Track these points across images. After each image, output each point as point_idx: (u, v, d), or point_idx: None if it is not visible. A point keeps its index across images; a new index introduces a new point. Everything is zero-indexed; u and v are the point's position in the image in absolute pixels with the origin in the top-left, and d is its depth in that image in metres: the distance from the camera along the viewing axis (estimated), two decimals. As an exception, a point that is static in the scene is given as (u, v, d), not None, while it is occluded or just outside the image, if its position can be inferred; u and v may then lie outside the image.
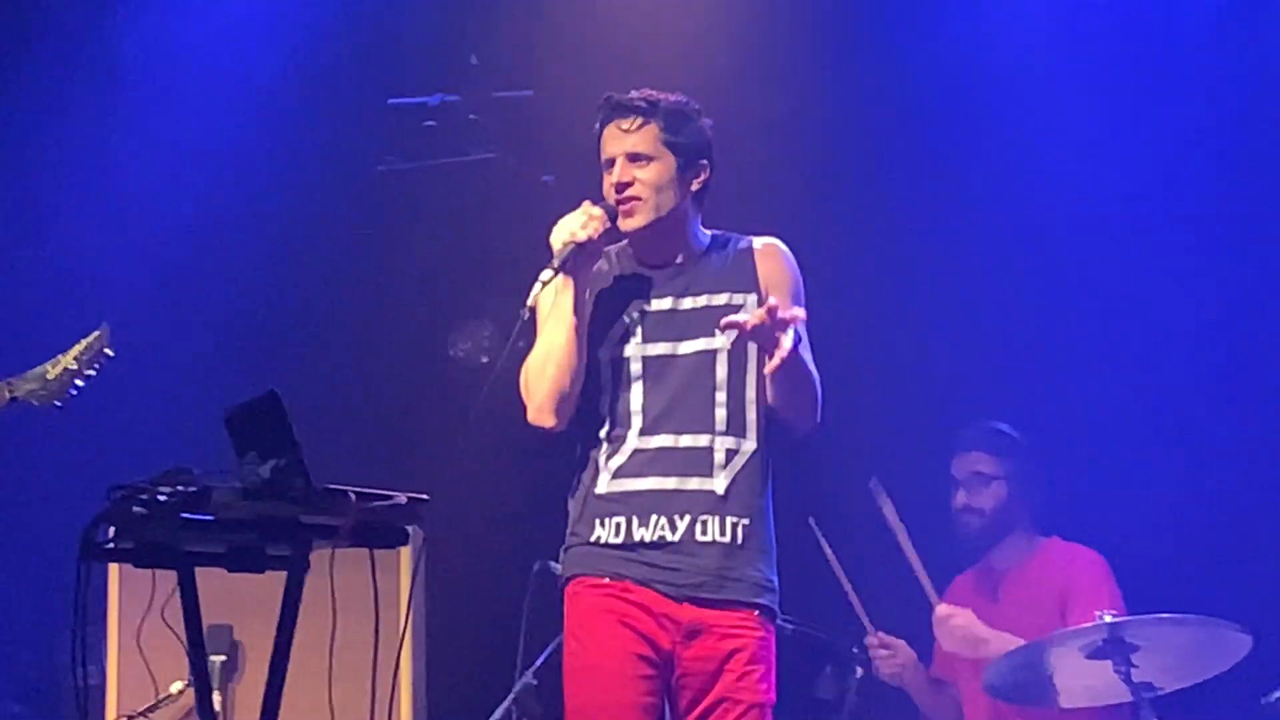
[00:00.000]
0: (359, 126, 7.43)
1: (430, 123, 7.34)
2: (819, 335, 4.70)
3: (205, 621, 4.25)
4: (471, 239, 7.47)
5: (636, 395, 4.66)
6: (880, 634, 6.49)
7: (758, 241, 4.76)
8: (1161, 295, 6.95)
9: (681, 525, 4.58)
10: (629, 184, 4.66)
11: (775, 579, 4.66)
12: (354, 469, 4.67)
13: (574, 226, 4.67)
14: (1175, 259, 6.92)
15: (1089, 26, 7.13)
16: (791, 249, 4.83)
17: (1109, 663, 5.56)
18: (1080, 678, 5.70)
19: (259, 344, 7.53)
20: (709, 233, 4.80)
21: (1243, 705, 5.96)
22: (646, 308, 4.68)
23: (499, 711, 6.06)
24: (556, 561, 6.13)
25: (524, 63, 7.36)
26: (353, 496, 4.00)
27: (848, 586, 6.43)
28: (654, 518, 4.59)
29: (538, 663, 6.14)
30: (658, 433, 4.62)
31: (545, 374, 4.70)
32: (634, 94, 4.71)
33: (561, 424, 4.72)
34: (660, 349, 4.66)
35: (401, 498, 4.11)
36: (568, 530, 4.75)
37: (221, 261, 7.56)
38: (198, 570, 4.19)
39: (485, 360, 7.50)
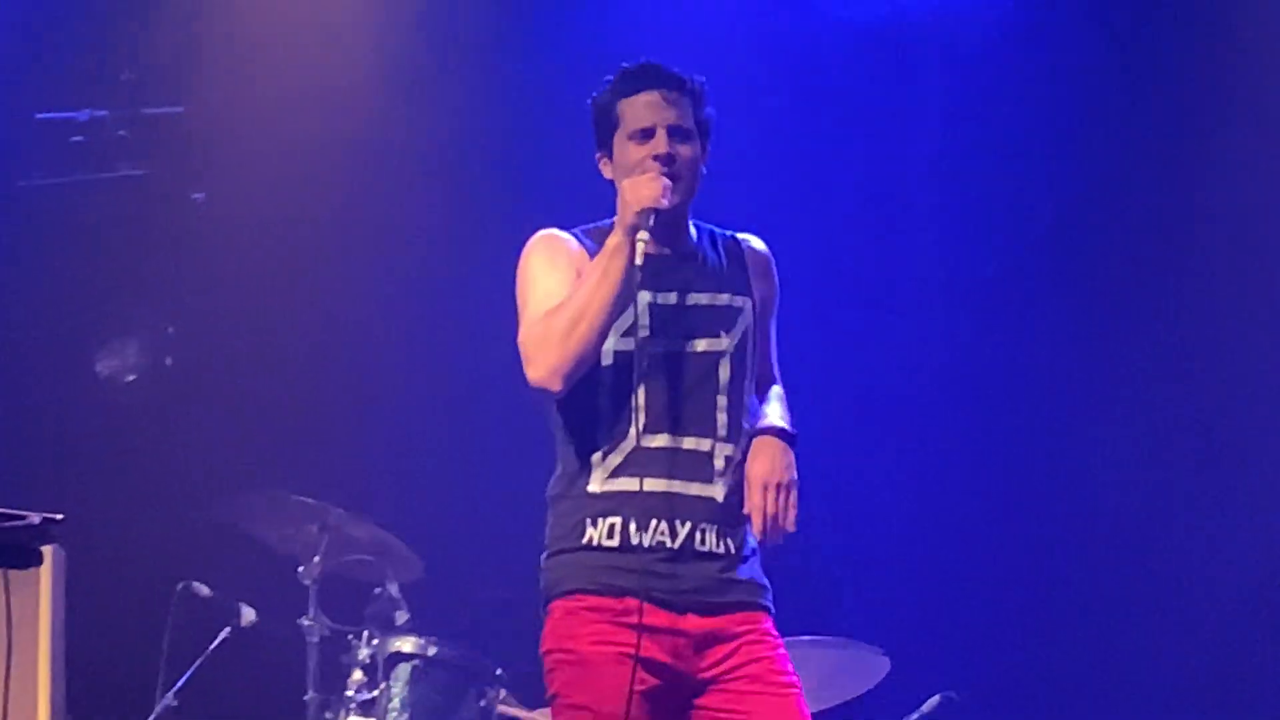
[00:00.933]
0: (2, 142, 7.28)
1: (78, 138, 7.24)
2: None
3: None
4: (119, 256, 7.37)
5: (640, 390, 4.30)
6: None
7: (742, 239, 4.51)
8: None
9: (682, 533, 4.25)
10: (672, 158, 4.32)
11: (763, 574, 4.39)
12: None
13: (654, 193, 4.24)
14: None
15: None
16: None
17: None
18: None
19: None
20: (691, 221, 4.52)
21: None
22: (654, 300, 4.33)
23: (140, 733, 6.06)
24: (199, 582, 6.20)
25: (175, 79, 7.29)
26: (-15, 516, 3.93)
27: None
28: (654, 522, 4.24)
29: (178, 685, 6.10)
30: (659, 432, 4.29)
31: (575, 334, 4.24)
32: (682, 70, 4.40)
33: (563, 392, 4.29)
34: (664, 346, 4.33)
35: (35, 518, 4.02)
36: (547, 535, 4.34)
37: None
38: None
39: (131, 378, 7.41)
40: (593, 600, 4.22)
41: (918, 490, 7.02)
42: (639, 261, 4.17)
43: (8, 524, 3.99)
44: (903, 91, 7.18)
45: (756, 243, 4.50)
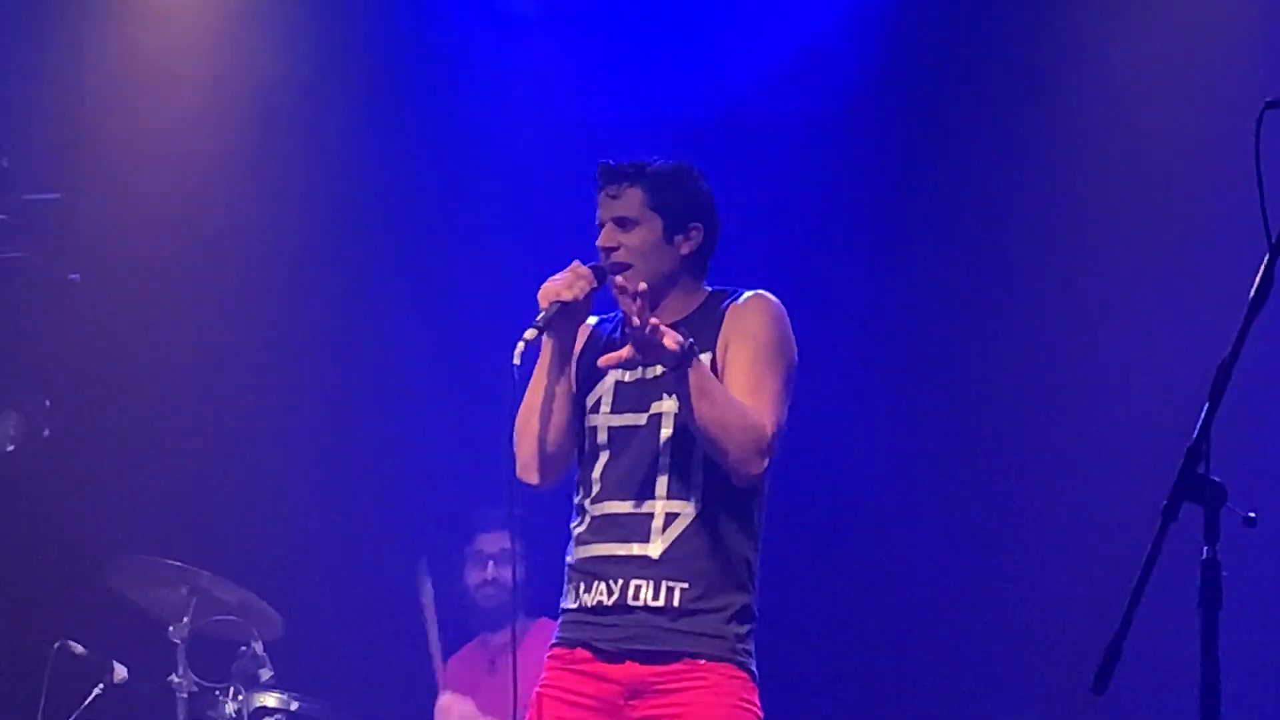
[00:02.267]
0: None
1: None
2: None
3: None
4: (0, 334, 7.36)
5: (599, 464, 4.37)
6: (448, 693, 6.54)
7: (743, 297, 4.42)
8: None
9: (616, 589, 4.29)
10: (614, 249, 4.36)
11: (737, 631, 4.31)
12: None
13: (560, 286, 4.31)
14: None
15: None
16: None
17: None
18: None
19: None
20: (708, 291, 4.48)
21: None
22: (621, 378, 4.39)
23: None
24: (74, 641, 6.24)
25: (51, 167, 7.28)
26: None
27: (434, 639, 6.50)
28: (596, 583, 4.31)
29: None
30: (608, 500, 4.34)
31: (527, 430, 4.40)
32: (620, 160, 4.41)
33: (546, 482, 4.45)
34: (624, 420, 4.37)
35: None
36: None
37: None
38: None
39: (11, 448, 7.33)
40: (556, 651, 4.37)
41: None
42: (516, 361, 4.23)
43: None
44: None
45: (747, 297, 4.41)
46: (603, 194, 4.43)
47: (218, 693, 6.18)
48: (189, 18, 7.34)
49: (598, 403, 4.41)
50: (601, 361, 4.24)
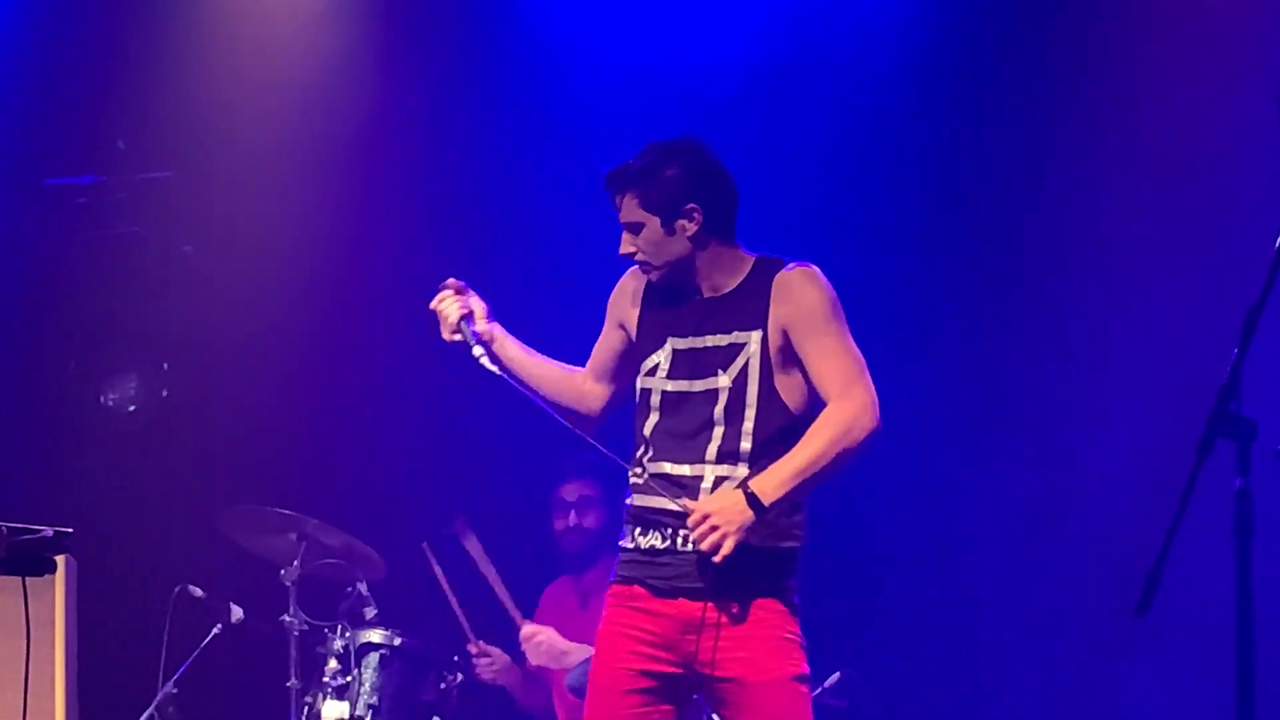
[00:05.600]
0: (17, 205, 7.35)
1: (82, 200, 7.29)
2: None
3: None
4: (121, 303, 7.44)
5: (650, 423, 4.44)
6: (480, 643, 6.60)
7: (785, 271, 4.42)
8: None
9: (668, 536, 4.38)
10: (633, 253, 4.46)
11: (782, 570, 4.39)
12: (13, 506, 4.71)
13: (444, 329, 4.62)
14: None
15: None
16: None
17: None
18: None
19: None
20: (751, 260, 4.49)
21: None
22: (676, 345, 4.44)
23: (143, 718, 6.12)
24: (194, 585, 6.27)
25: (164, 147, 7.34)
26: (4, 530, 4.03)
27: (454, 602, 6.52)
28: (651, 530, 4.40)
29: (177, 675, 6.18)
30: (661, 460, 4.41)
31: (557, 401, 4.65)
32: (612, 170, 4.47)
33: (595, 423, 4.66)
34: (679, 385, 4.42)
35: (49, 531, 4.11)
36: None
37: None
38: None
39: (133, 408, 7.46)
40: (615, 589, 4.47)
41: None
42: (487, 365, 4.56)
43: (25, 537, 4.07)
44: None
45: (789, 273, 4.41)
46: (613, 201, 4.48)
47: (326, 630, 6.20)
48: (294, 7, 7.39)
49: (655, 367, 4.47)
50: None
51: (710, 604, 4.32)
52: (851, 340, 4.37)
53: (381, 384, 7.32)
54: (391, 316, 7.25)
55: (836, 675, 6.14)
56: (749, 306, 4.39)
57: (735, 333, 4.39)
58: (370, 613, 6.21)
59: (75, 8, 7.39)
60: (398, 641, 6.19)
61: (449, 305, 4.60)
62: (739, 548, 4.24)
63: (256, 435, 7.30)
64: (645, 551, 4.42)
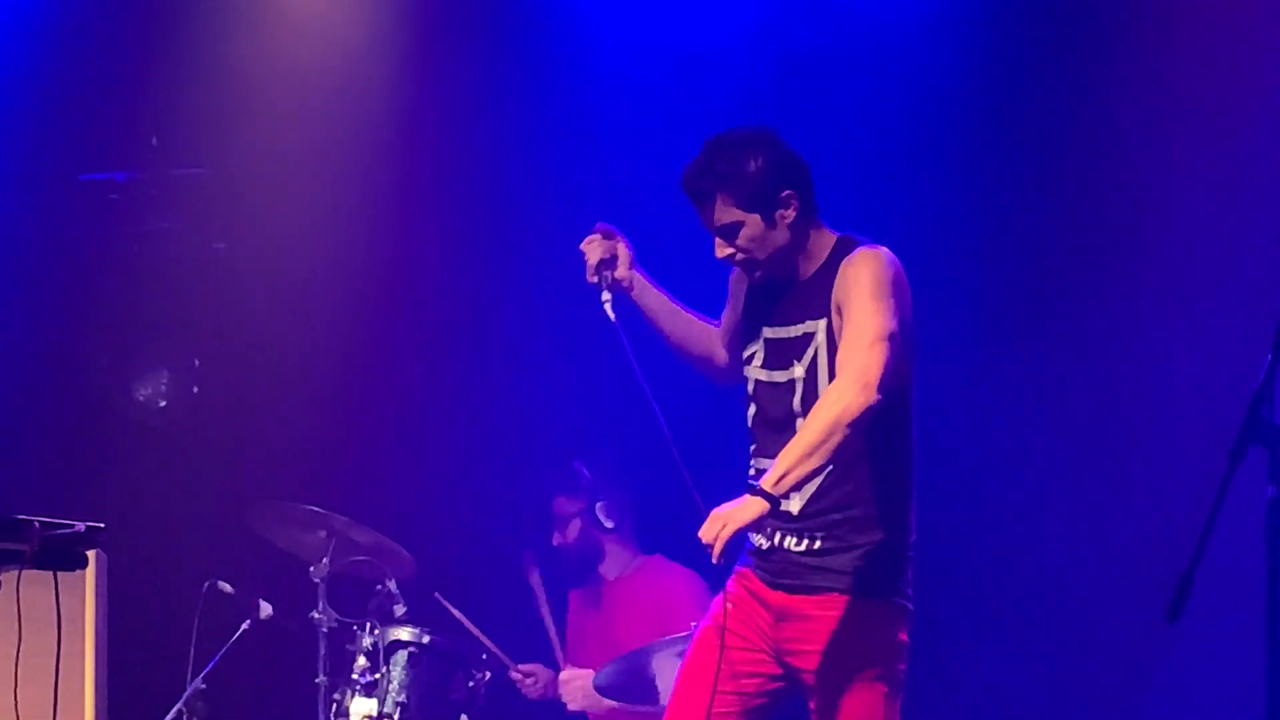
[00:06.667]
0: (53, 200, 7.38)
1: (115, 196, 7.33)
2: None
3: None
4: (153, 298, 7.46)
5: (750, 415, 4.48)
6: (519, 666, 6.60)
7: (850, 255, 4.34)
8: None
9: (769, 538, 4.42)
10: (732, 256, 4.40)
11: (875, 566, 4.36)
12: (45, 500, 4.72)
13: (587, 253, 4.57)
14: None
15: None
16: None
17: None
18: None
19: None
20: (833, 241, 4.42)
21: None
22: (771, 335, 4.44)
23: (171, 712, 6.12)
24: (223, 581, 6.26)
25: (197, 144, 7.37)
26: (37, 525, 4.04)
27: (482, 637, 6.49)
28: (758, 532, 4.41)
29: (206, 670, 6.18)
30: (760, 455, 4.44)
31: (691, 361, 4.71)
32: (692, 176, 4.36)
33: (724, 378, 4.68)
34: (770, 375, 4.42)
35: (80, 526, 4.12)
36: None
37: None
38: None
39: (164, 404, 7.47)
40: (741, 569, 4.50)
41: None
42: (609, 314, 4.52)
43: (57, 531, 4.08)
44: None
45: (850, 257, 4.33)
46: (697, 209, 4.41)
47: (355, 628, 6.20)
48: (330, 2, 7.41)
49: (752, 356, 4.47)
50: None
51: (803, 597, 4.37)
52: (885, 316, 4.21)
53: (412, 381, 7.33)
54: (424, 314, 7.32)
55: None
56: (818, 293, 4.35)
57: (806, 322, 4.38)
58: (399, 610, 6.22)
59: (110, 6, 7.42)
60: (427, 639, 6.19)
61: (593, 249, 4.56)
62: (839, 542, 4.31)
63: (287, 431, 7.32)
64: (755, 551, 4.48)
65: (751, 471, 4.47)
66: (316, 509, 6.29)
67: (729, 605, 4.43)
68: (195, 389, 7.45)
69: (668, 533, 6.54)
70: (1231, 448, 3.13)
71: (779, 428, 4.38)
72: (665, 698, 5.68)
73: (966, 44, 6.84)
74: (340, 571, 6.30)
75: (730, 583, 4.51)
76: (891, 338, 4.17)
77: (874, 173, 6.79)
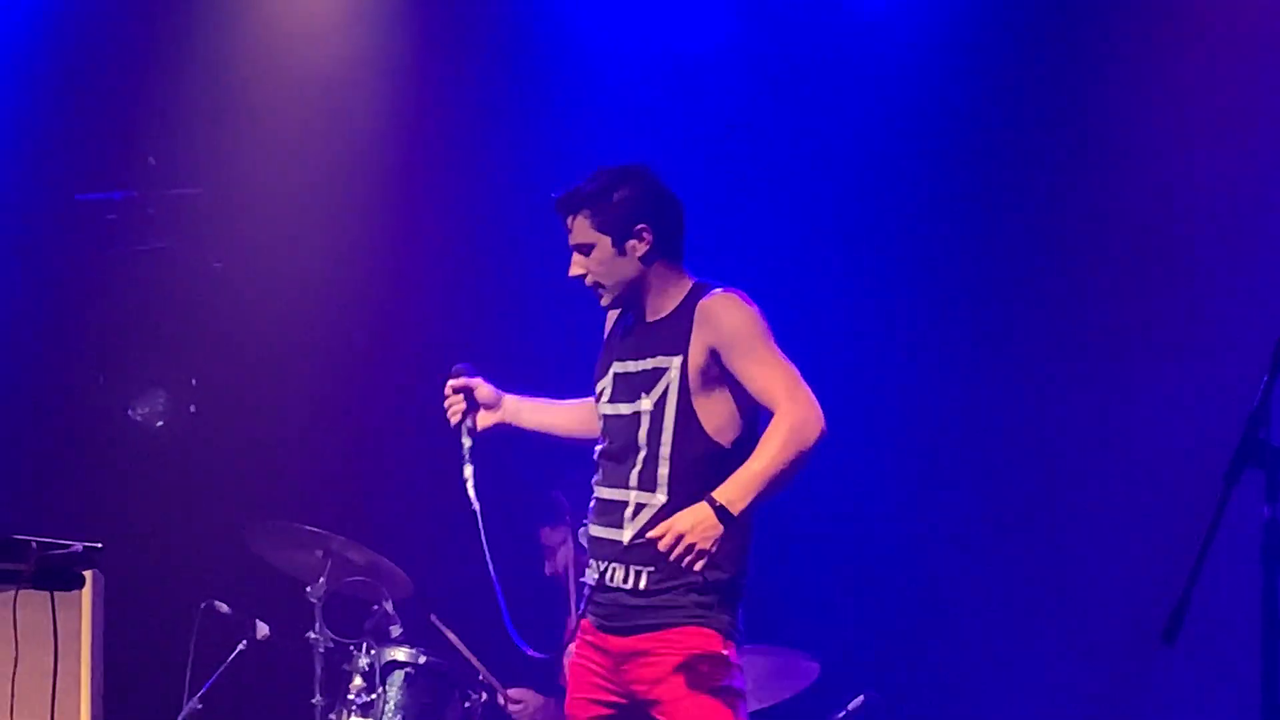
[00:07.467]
0: (49, 221, 7.40)
1: (113, 216, 7.34)
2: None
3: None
4: (150, 317, 7.48)
5: (599, 449, 4.55)
6: (508, 691, 6.59)
7: (706, 298, 4.44)
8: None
9: (599, 571, 4.48)
10: (583, 275, 4.51)
11: (699, 599, 4.39)
12: (42, 520, 4.72)
13: (450, 414, 4.73)
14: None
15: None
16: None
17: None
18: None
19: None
20: (689, 285, 4.52)
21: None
22: (619, 370, 4.52)
23: (168, 733, 6.16)
24: (220, 601, 6.26)
25: (194, 164, 7.40)
26: (34, 545, 4.05)
27: (475, 661, 6.49)
28: (592, 562, 4.51)
29: (203, 690, 6.19)
30: (601, 485, 4.52)
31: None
32: (563, 192, 4.51)
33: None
34: (616, 409, 4.49)
35: (78, 546, 4.13)
36: None
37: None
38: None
39: (160, 424, 7.49)
40: (583, 622, 4.57)
41: (842, 507, 6.88)
42: (473, 498, 4.72)
43: (54, 551, 4.10)
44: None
45: (709, 300, 4.41)
46: (562, 224, 4.53)
47: (352, 648, 6.21)
48: (321, 22, 7.42)
49: (602, 391, 4.56)
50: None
51: (633, 638, 4.44)
52: (783, 355, 4.36)
53: (410, 401, 7.25)
54: (420, 333, 7.33)
55: (860, 699, 6.15)
56: (675, 332, 4.43)
57: (659, 357, 4.44)
58: (396, 631, 6.23)
59: (106, 26, 7.43)
60: (423, 660, 6.20)
61: (452, 409, 4.75)
62: (663, 582, 4.35)
63: (284, 451, 7.35)
64: (591, 587, 4.52)
65: (593, 502, 4.53)
66: (313, 529, 6.30)
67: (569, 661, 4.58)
68: (192, 408, 7.46)
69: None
70: (1227, 469, 3.13)
71: (619, 458, 4.46)
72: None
73: (966, 45, 6.91)
74: (337, 592, 6.31)
75: (576, 643, 4.58)
76: (799, 378, 4.32)
77: (874, 173, 6.85)
